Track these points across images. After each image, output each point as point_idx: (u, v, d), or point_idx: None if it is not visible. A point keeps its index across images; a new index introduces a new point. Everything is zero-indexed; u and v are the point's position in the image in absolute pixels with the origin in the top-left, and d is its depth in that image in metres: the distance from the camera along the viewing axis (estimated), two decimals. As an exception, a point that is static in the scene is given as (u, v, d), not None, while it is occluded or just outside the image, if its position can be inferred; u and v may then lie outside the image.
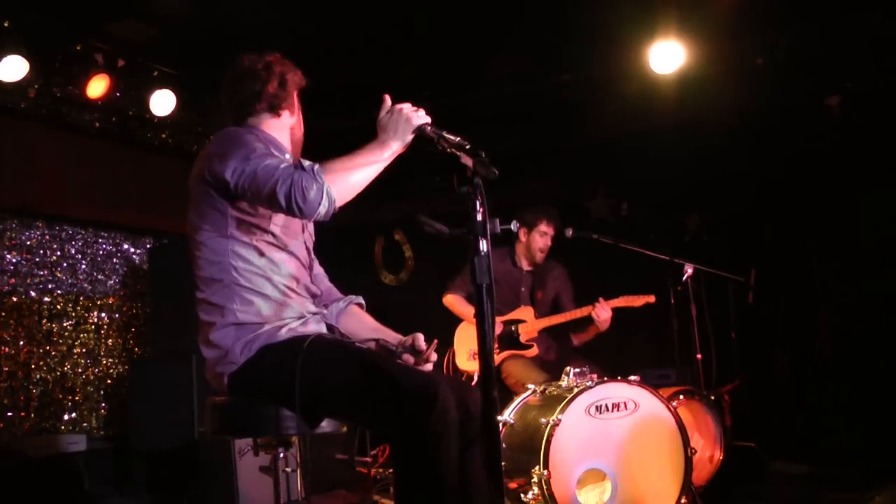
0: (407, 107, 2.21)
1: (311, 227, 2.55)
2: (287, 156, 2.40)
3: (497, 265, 4.68)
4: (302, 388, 2.11)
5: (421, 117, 2.20)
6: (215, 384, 2.32)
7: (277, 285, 2.31)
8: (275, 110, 2.42)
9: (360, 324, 2.57)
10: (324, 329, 2.45)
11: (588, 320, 4.43)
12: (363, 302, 2.66)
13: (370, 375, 2.09)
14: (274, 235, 2.31)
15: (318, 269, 2.65)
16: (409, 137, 2.20)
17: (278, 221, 2.30)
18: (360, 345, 2.44)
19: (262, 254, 2.29)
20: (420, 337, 2.31)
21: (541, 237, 4.65)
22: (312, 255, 2.55)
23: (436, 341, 2.33)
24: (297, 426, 2.19)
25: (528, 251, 4.71)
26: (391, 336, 2.44)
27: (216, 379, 2.31)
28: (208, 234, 2.28)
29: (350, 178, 2.14)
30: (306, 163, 2.13)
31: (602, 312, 4.35)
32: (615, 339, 4.94)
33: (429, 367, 2.30)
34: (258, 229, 2.27)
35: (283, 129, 2.46)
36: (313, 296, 2.48)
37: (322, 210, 2.08)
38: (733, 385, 4.79)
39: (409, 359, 2.29)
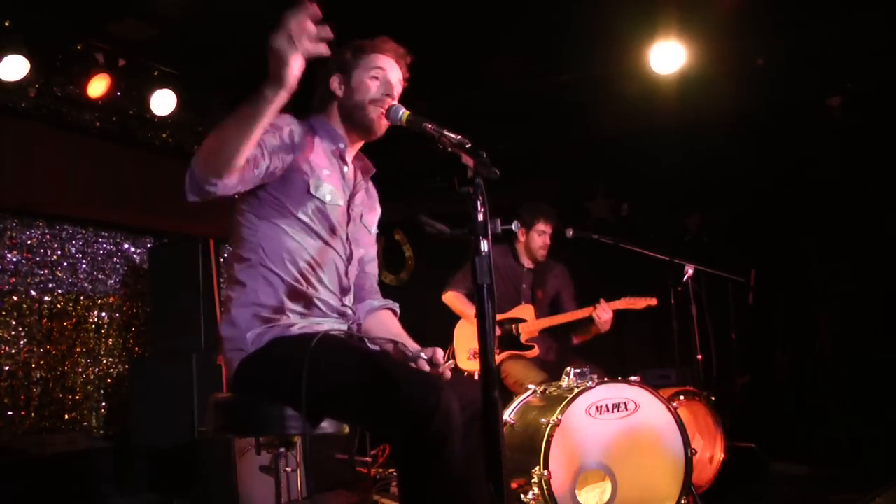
0: (282, 38, 1.82)
1: (368, 218, 2.56)
2: (341, 144, 2.45)
3: (499, 260, 4.69)
4: (307, 387, 2.09)
5: (295, 44, 1.83)
6: (226, 367, 2.33)
7: (303, 273, 2.31)
8: (332, 100, 2.48)
9: (384, 327, 2.54)
10: (342, 328, 2.43)
11: (589, 320, 4.42)
12: (397, 310, 2.64)
13: (373, 376, 2.07)
14: (302, 221, 2.31)
15: (370, 269, 2.63)
16: (287, 75, 1.87)
17: (307, 210, 2.31)
18: (371, 345, 2.43)
19: (293, 239, 2.30)
20: (439, 351, 2.30)
21: (539, 236, 4.64)
22: (355, 250, 2.48)
23: (452, 361, 2.31)
24: (301, 426, 2.18)
25: (528, 250, 4.71)
26: (410, 345, 2.40)
27: (227, 363, 2.32)
28: (245, 213, 2.32)
29: (218, 138, 1.99)
30: None
31: (603, 314, 4.34)
32: (615, 339, 4.95)
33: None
34: (288, 212, 2.29)
35: (336, 111, 2.48)
36: (343, 291, 2.45)
37: (195, 191, 2.03)
38: (745, 379, 4.79)
39: (423, 365, 2.26)
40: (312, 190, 2.31)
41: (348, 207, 2.44)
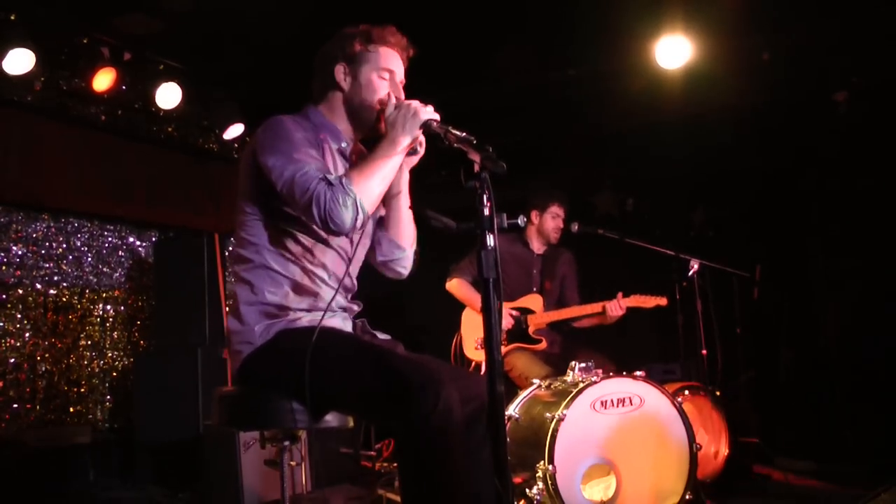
0: (414, 102, 2.23)
1: (368, 223, 2.53)
2: (343, 143, 2.42)
3: (509, 248, 4.68)
4: (312, 379, 2.10)
5: (429, 112, 2.21)
6: (232, 360, 2.34)
7: (308, 273, 2.32)
8: (334, 90, 2.44)
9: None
10: (349, 326, 2.44)
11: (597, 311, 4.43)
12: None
13: (375, 370, 2.08)
14: (307, 224, 2.29)
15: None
16: (418, 132, 2.21)
17: None
18: (383, 336, 2.45)
19: (297, 241, 2.31)
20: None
21: (553, 219, 4.68)
22: (357, 250, 2.46)
23: None
24: (305, 420, 2.18)
25: (542, 232, 4.71)
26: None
27: (234, 356, 2.32)
28: (249, 216, 2.32)
29: (373, 184, 2.16)
30: (332, 176, 2.13)
31: (615, 309, 4.34)
32: (620, 334, 4.93)
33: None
34: (292, 216, 2.29)
35: (339, 105, 2.44)
36: (347, 290, 2.47)
37: (358, 224, 2.13)
38: (750, 374, 4.79)
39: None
40: None
41: None
